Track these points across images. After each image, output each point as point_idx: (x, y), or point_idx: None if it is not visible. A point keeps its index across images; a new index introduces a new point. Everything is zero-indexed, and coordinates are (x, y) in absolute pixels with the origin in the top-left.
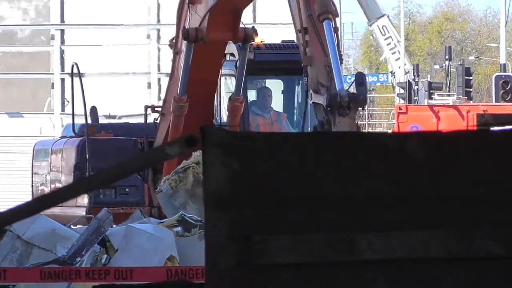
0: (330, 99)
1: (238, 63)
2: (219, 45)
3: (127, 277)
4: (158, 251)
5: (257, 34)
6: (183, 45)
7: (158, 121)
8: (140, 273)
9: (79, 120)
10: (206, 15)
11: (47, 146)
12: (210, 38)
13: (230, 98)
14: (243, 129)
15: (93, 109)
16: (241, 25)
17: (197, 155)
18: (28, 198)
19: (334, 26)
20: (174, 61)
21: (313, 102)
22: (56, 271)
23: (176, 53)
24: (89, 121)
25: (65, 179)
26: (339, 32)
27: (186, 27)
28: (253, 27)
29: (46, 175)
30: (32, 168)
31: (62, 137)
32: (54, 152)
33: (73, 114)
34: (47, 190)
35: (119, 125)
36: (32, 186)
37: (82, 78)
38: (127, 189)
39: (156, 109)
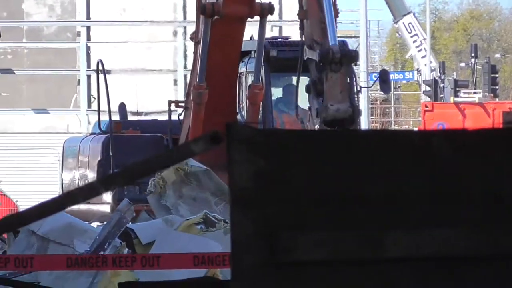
0: (322, 55)
1: (256, 46)
2: (236, 21)
3: (154, 264)
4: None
5: (273, 10)
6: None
7: (182, 116)
8: (167, 260)
9: (107, 117)
10: None
11: (76, 143)
12: (226, 12)
13: (249, 86)
14: (265, 125)
15: (122, 106)
16: (258, 1)
17: None
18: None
19: None
20: (195, 52)
21: (308, 58)
22: (83, 258)
23: (197, 43)
24: (118, 117)
25: (91, 175)
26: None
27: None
28: (269, 2)
29: (74, 172)
30: (62, 164)
31: (91, 134)
32: (82, 149)
33: (98, 111)
34: (75, 186)
35: (148, 122)
36: (62, 182)
37: (108, 75)
38: None
39: (179, 104)
